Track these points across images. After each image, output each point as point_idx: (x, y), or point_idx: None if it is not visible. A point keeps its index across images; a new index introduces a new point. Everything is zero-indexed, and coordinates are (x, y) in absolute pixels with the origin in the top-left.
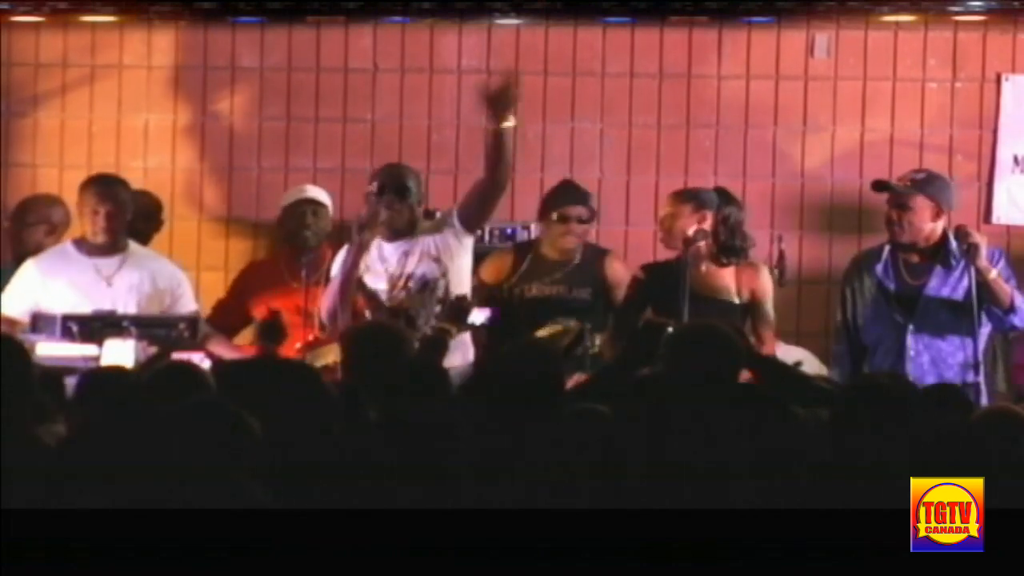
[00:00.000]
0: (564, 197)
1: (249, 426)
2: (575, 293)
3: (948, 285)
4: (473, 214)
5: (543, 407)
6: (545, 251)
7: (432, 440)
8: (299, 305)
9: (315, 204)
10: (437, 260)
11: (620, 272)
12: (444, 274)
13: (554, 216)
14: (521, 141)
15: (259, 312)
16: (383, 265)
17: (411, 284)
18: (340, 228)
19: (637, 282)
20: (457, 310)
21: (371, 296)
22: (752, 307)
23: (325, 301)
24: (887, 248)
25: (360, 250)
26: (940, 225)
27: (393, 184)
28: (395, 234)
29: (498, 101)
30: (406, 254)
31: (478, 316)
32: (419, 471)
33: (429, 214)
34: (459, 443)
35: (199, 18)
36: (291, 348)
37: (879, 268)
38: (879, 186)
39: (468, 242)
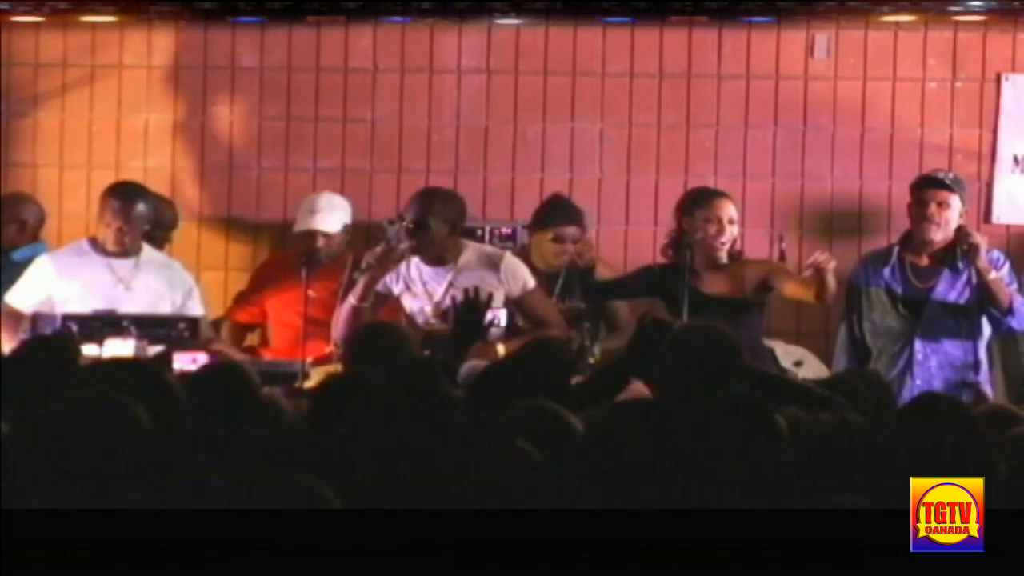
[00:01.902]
0: (558, 217)
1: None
2: (569, 303)
3: (955, 289)
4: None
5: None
6: (535, 263)
7: (431, 439)
8: (306, 312)
9: (324, 235)
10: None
11: (609, 277)
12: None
13: (549, 236)
14: (521, 141)
15: (270, 307)
16: (424, 287)
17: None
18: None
19: (648, 272)
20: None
21: (409, 319)
22: (776, 278)
23: (336, 323)
24: (895, 250)
25: (370, 284)
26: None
27: (413, 216)
28: (436, 259)
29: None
30: (452, 284)
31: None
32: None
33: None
34: (458, 442)
35: (199, 18)
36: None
37: (887, 271)
38: (930, 182)
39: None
